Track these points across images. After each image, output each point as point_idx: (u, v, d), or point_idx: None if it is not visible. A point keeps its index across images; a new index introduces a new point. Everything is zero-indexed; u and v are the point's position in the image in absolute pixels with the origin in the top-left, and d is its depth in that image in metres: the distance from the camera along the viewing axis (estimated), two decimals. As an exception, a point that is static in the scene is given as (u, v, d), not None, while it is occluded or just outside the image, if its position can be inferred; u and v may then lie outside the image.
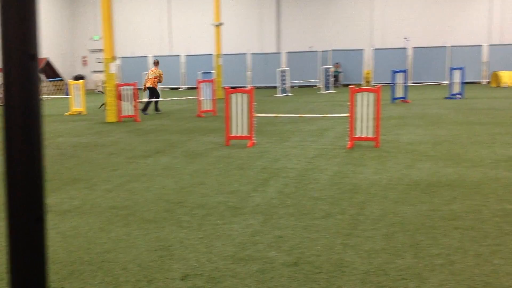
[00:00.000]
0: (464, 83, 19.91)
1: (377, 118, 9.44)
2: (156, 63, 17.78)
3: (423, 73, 29.60)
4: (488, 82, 27.63)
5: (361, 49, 30.75)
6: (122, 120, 15.17)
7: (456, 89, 19.29)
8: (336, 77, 29.48)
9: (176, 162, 8.49)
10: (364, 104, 9.49)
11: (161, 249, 4.49)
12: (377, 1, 31.83)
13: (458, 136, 10.25)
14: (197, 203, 5.95)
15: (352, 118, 9.53)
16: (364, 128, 9.55)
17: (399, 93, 18.65)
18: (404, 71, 18.97)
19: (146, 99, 17.83)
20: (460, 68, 19.52)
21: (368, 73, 30.97)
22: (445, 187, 6.33)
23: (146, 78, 17.59)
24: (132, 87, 15.56)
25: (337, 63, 30.29)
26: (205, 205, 5.83)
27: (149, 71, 17.75)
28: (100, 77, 28.80)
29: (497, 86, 25.49)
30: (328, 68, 26.47)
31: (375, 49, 30.67)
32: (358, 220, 5.12)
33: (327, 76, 25.99)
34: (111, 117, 15.19)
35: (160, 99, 18.20)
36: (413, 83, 28.91)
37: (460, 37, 30.46)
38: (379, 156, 8.45)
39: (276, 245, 4.49)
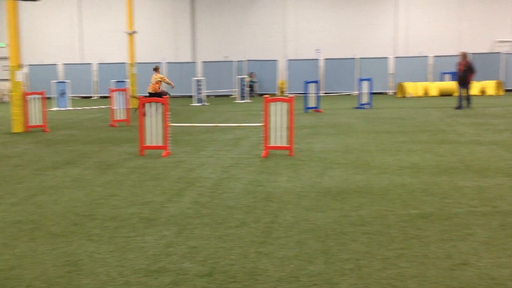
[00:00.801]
0: (372, 94, 20.79)
1: (290, 127, 9.63)
2: (155, 69, 18.02)
3: (334, 84, 30.60)
4: (394, 93, 29.01)
5: (275, 60, 31.35)
6: (29, 130, 14.49)
7: (365, 99, 20.09)
8: (251, 86, 29.83)
9: (87, 174, 8.22)
10: (278, 113, 9.66)
11: (69, 264, 4.32)
12: (290, 13, 32.65)
13: (366, 144, 10.66)
14: (108, 215, 5.78)
15: (266, 128, 9.66)
16: (278, 137, 9.70)
17: (312, 103, 19.15)
18: (316, 82, 19.52)
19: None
20: (368, 79, 20.37)
21: (282, 83, 31.59)
22: (354, 193, 6.55)
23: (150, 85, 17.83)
24: (40, 95, 14.92)
25: (251, 72, 30.67)
26: (117, 217, 5.67)
27: (151, 77, 17.80)
28: (7, 85, 27.40)
29: (403, 97, 26.82)
30: (244, 78, 26.75)
31: (289, 60, 31.38)
32: (272, 228, 5.18)
33: (242, 85, 26.25)
34: (17, 127, 14.46)
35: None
36: (325, 93, 29.81)
37: (368, 49, 31.84)
38: (293, 165, 8.62)
39: (190, 256, 4.45)
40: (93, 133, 13.86)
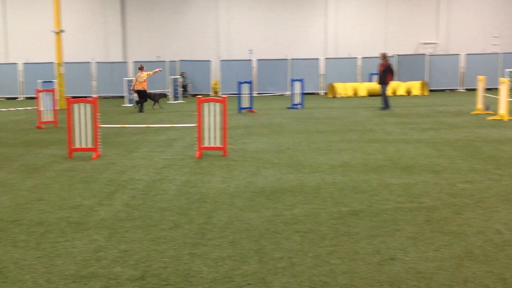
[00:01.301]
0: (304, 94, 21.13)
1: (224, 128, 9.63)
2: (141, 68, 19.81)
3: (267, 84, 30.85)
4: (325, 93, 29.62)
5: (209, 60, 31.25)
6: None
7: (297, 99, 20.39)
8: (184, 87, 29.58)
9: (12, 178, 7.87)
10: (212, 114, 9.63)
11: (-8, 273, 4.12)
12: (223, 14, 32.67)
13: (299, 144, 10.82)
14: (35, 220, 5.56)
15: (200, 128, 9.61)
16: (212, 138, 9.68)
17: (245, 103, 19.24)
18: (249, 82, 19.63)
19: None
20: (300, 80, 20.69)
21: (216, 84, 31.53)
22: (288, 192, 6.63)
23: (133, 83, 19.85)
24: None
25: (183, 72, 30.39)
26: (44, 222, 5.47)
27: (137, 76, 19.59)
28: None
29: (333, 97, 27.42)
30: (177, 78, 26.50)
31: (222, 60, 31.37)
32: (205, 229, 5.16)
33: (175, 86, 25.99)
34: None
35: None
36: (258, 93, 30.01)
37: (300, 50, 32.34)
38: (227, 165, 8.62)
39: (121, 260, 4.35)
40: (18, 135, 13.30)
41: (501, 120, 14.26)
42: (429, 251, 4.43)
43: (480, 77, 17.04)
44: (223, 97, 9.74)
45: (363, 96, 27.21)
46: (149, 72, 19.65)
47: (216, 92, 31.17)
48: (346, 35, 32.61)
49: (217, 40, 32.86)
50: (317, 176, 7.61)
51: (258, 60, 31.00)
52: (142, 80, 19.48)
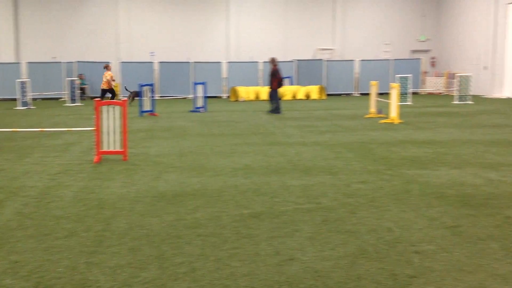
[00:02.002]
0: (207, 97, 21.15)
1: (124, 132, 9.40)
2: (106, 67, 21.68)
3: (169, 87, 30.53)
4: (228, 97, 29.83)
5: (108, 62, 30.36)
6: None
7: (200, 103, 20.37)
8: (82, 89, 28.55)
9: None
10: (111, 117, 9.37)
11: None
12: (123, 15, 31.91)
13: (202, 147, 10.81)
14: None
15: (98, 132, 9.31)
16: (112, 142, 9.41)
17: (147, 106, 18.92)
18: (151, 85, 19.33)
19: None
20: (203, 83, 20.68)
21: (116, 86, 30.68)
22: (190, 196, 6.60)
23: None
24: None
25: (80, 74, 29.32)
26: None
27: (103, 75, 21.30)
28: None
29: (236, 100, 27.68)
30: (74, 80, 25.52)
31: (122, 62, 30.63)
32: (104, 237, 5.00)
33: (73, 88, 25.02)
34: None
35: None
36: (160, 96, 29.64)
37: (203, 54, 32.34)
38: (127, 169, 8.42)
39: (12, 272, 4.12)
40: None
41: (392, 123, 15.09)
42: (325, 250, 4.59)
43: (373, 82, 17.94)
44: (123, 100, 9.51)
45: (265, 100, 27.67)
46: (111, 74, 21.49)
47: (116, 95, 30.32)
48: (248, 39, 33.06)
49: (117, 42, 32.04)
50: (220, 179, 7.63)
51: (160, 62, 30.61)
52: (105, 79, 21.28)
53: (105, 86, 21.38)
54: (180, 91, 30.39)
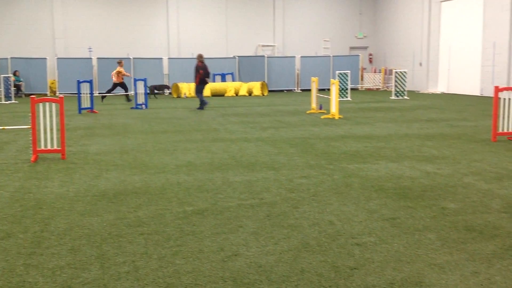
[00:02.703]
0: (147, 94, 20.84)
1: (62, 129, 9.13)
2: (119, 63, 23.18)
3: (109, 84, 29.70)
4: (170, 93, 29.52)
5: (44, 58, 29.41)
6: None
7: (141, 99, 20.06)
8: (17, 86, 27.52)
9: None
10: (48, 115, 9.08)
11: None
12: (58, 10, 30.89)
13: (144, 145, 10.65)
14: None
15: (34, 130, 9.01)
16: (49, 140, 9.14)
17: (86, 103, 18.47)
18: (89, 81, 18.86)
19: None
20: (143, 80, 20.37)
21: (53, 83, 29.82)
22: (132, 194, 6.50)
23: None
24: None
25: (16, 71, 28.24)
26: None
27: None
28: None
29: (178, 97, 27.45)
30: (9, 76, 24.56)
31: (59, 58, 29.72)
32: (42, 237, 4.85)
33: (7, 85, 24.07)
34: None
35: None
36: (100, 93, 28.95)
37: (143, 50, 31.83)
38: (66, 168, 8.20)
39: None
40: None
41: (333, 118, 15.38)
42: (269, 245, 4.63)
43: (313, 78, 18.21)
44: (60, 97, 9.23)
45: (207, 96, 27.57)
46: (121, 70, 22.88)
47: (54, 92, 29.48)
48: (189, 36, 32.80)
49: (53, 37, 31.03)
50: (162, 176, 7.55)
51: (99, 58, 29.90)
52: (116, 74, 22.78)
53: (117, 80, 22.73)
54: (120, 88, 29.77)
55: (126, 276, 3.95)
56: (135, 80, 20.37)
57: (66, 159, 9.02)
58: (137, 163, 8.66)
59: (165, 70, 30.53)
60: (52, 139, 9.16)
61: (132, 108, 20.05)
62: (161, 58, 30.67)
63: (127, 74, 23.75)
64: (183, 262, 4.24)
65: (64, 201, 6.21)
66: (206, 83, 19.62)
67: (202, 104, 19.25)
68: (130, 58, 30.10)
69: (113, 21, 31.95)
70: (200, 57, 19.69)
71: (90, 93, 18.49)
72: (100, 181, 7.26)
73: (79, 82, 18.40)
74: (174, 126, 13.91)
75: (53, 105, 9.16)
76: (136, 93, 20.13)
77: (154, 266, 4.14)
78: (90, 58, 30.00)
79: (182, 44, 32.72)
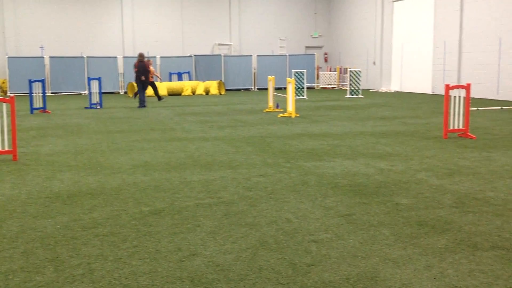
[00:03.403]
0: (102, 93, 20.49)
1: (13, 130, 8.88)
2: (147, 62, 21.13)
3: (62, 83, 29.25)
4: (125, 92, 29.10)
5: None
6: None
7: (95, 99, 19.71)
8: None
9: None
10: (-3, 115, 8.82)
11: None
12: (8, 7, 30.01)
13: (99, 145, 10.47)
14: None
15: (-17, 131, 8.73)
16: (0, 141, 8.88)
17: (38, 103, 18.01)
18: (42, 81, 18.39)
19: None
20: (98, 79, 20.01)
21: (3, 82, 28.96)
22: (86, 195, 6.38)
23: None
24: None
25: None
26: None
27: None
28: None
29: (133, 96, 27.06)
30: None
31: (9, 57, 28.89)
32: (-7, 242, 4.71)
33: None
34: None
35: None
36: (53, 93, 28.35)
37: (97, 48, 31.29)
38: (17, 170, 7.98)
39: None
40: None
41: (289, 117, 15.50)
42: (227, 244, 4.63)
43: (270, 77, 18.30)
44: (11, 97, 8.98)
45: (164, 96, 27.32)
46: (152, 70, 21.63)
47: (4, 92, 28.63)
48: (144, 34, 32.46)
49: (4, 35, 30.13)
50: (118, 177, 7.45)
51: (51, 57, 29.22)
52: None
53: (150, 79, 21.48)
54: (74, 87, 29.22)
55: (81, 279, 3.88)
56: (89, 79, 20.00)
57: (17, 160, 8.78)
58: (91, 163, 8.51)
59: (120, 69, 30.09)
60: (3, 140, 8.91)
61: (86, 107, 19.67)
62: (116, 57, 30.21)
63: (157, 74, 24.02)
64: (139, 263, 4.19)
65: (16, 203, 6.05)
66: (142, 81, 19.86)
67: (140, 103, 19.58)
68: (84, 57, 29.54)
69: (66, 19, 31.29)
70: (140, 56, 20.11)
71: (42, 93, 18.04)
72: (54, 183, 7.10)
73: (31, 82, 17.93)
74: (130, 126, 13.72)
75: (4, 105, 8.90)
76: (90, 93, 19.76)
77: (110, 268, 4.08)
78: (42, 57, 29.28)
79: (137, 43, 32.32)
